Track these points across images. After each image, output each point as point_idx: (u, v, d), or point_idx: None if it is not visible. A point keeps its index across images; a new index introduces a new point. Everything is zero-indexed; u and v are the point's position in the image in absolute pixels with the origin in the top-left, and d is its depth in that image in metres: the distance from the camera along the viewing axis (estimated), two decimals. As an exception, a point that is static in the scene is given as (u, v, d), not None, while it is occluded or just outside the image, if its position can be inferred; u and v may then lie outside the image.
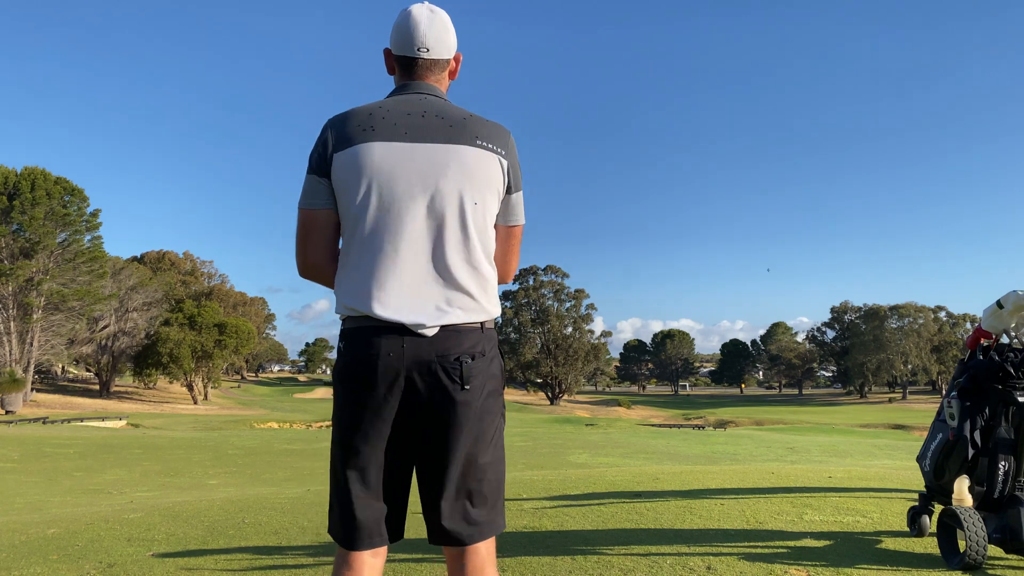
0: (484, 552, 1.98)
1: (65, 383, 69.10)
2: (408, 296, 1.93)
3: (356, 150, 1.95)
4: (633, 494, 6.11)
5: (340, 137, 1.97)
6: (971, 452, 3.75)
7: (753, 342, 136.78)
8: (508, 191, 2.06)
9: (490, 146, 2.00)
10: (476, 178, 1.97)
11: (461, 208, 1.96)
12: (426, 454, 1.96)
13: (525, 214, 2.16)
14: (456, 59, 2.16)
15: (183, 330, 61.32)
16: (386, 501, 1.98)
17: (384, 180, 1.94)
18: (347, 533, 1.96)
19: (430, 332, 1.92)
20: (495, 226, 2.07)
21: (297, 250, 2.05)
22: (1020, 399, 3.67)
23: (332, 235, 2.04)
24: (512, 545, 4.31)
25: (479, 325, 1.99)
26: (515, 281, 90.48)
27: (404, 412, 1.94)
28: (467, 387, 1.93)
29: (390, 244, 1.94)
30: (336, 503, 1.99)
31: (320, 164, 1.98)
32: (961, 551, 3.51)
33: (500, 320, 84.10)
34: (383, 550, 2.01)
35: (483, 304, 1.99)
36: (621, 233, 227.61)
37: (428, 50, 2.06)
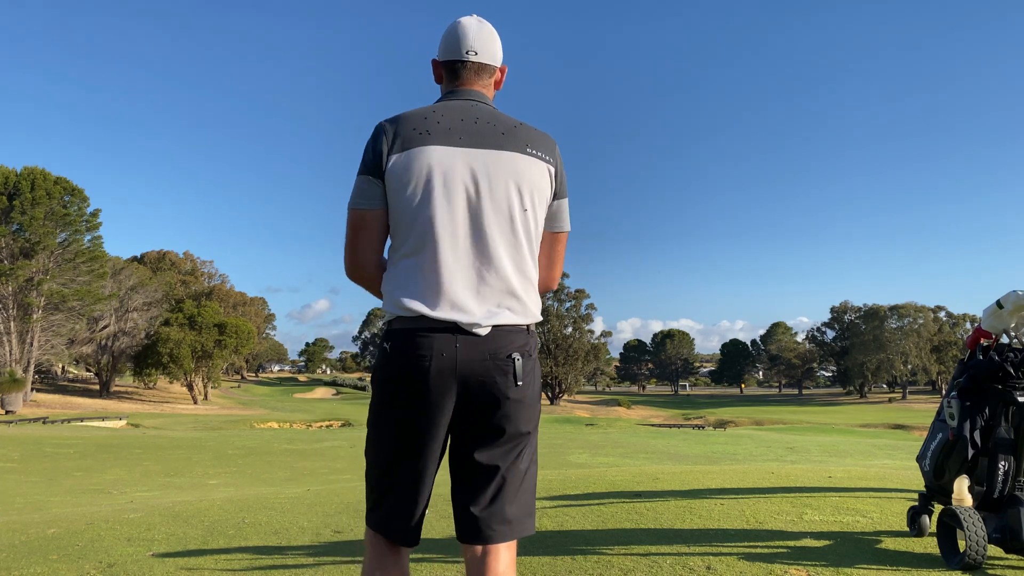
0: (507, 558, 2.00)
1: (65, 383, 69.09)
2: (463, 296, 1.97)
3: (414, 152, 1.99)
4: (633, 494, 6.11)
5: (397, 139, 2.00)
6: (971, 452, 3.75)
7: (753, 342, 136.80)
8: (555, 197, 2.12)
9: (540, 154, 2.07)
10: (527, 185, 2.03)
11: (512, 213, 2.01)
12: (474, 450, 1.99)
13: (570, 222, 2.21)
14: (502, 70, 2.23)
15: (183, 330, 61.30)
16: (422, 495, 2.03)
17: (440, 183, 1.98)
18: (404, 530, 2.00)
19: (483, 332, 1.96)
20: (547, 233, 2.14)
21: (347, 250, 2.08)
22: (1020, 399, 3.67)
23: (382, 236, 2.07)
24: (512, 545, 4.31)
25: (526, 327, 2.04)
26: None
27: (456, 411, 1.98)
28: (520, 383, 1.99)
29: (446, 245, 1.97)
30: (389, 500, 2.01)
31: (375, 165, 2.01)
32: (961, 551, 3.51)
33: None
34: (407, 559, 2.08)
35: (530, 307, 2.05)
36: (621, 233, 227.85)
37: (476, 53, 2.14)
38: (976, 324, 4.16)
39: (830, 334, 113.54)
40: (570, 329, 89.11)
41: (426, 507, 2.04)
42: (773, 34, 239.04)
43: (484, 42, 2.14)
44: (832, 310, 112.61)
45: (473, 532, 1.98)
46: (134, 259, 73.94)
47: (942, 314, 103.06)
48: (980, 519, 3.46)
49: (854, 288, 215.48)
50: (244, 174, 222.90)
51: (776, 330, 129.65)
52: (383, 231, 2.06)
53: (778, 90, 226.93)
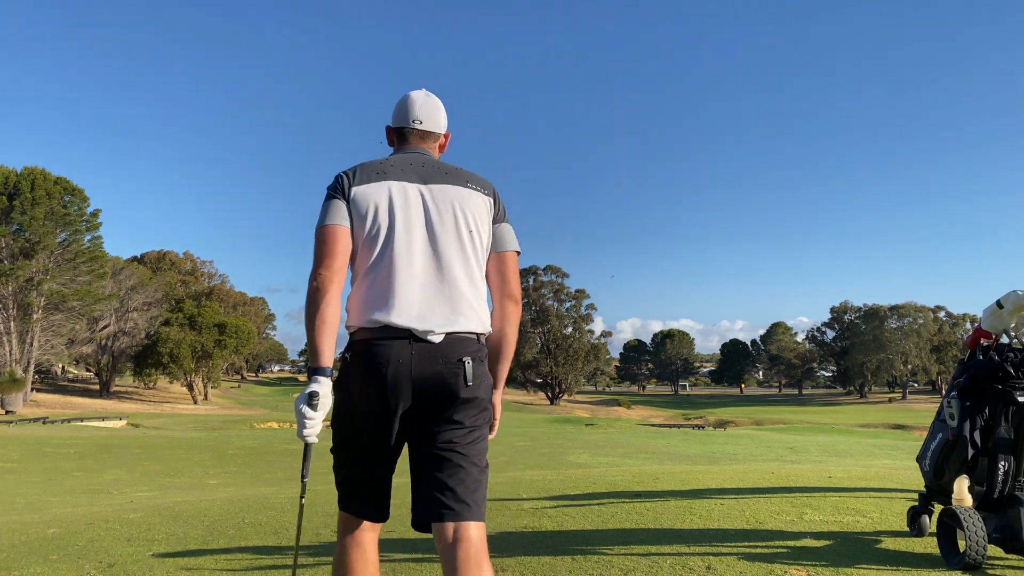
0: (478, 541, 2.19)
1: (65, 383, 69.10)
2: (419, 307, 2.24)
3: (373, 185, 2.34)
4: (633, 494, 6.11)
5: (356, 177, 2.36)
6: (971, 452, 3.75)
7: (753, 342, 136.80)
8: (496, 221, 2.46)
9: (478, 188, 2.44)
10: (470, 211, 2.38)
11: (460, 234, 2.34)
12: (429, 443, 2.25)
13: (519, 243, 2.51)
14: (445, 136, 2.60)
15: (183, 330, 61.30)
16: (384, 484, 2.36)
17: (399, 211, 2.31)
18: (376, 514, 2.34)
19: (437, 339, 2.23)
20: (496, 253, 2.45)
21: (322, 264, 2.27)
22: (1020, 399, 3.67)
23: (348, 252, 2.32)
24: (512, 545, 4.31)
25: (476, 336, 2.32)
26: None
27: (414, 410, 2.24)
28: (470, 383, 2.24)
29: (405, 264, 2.27)
30: (360, 493, 2.33)
31: (341, 193, 2.34)
32: (961, 551, 3.51)
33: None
34: (379, 526, 2.39)
35: (481, 317, 2.34)
36: (621, 233, 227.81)
37: (421, 122, 2.52)
38: (976, 324, 4.16)
39: (830, 334, 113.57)
40: (570, 329, 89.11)
41: (390, 491, 2.37)
42: (773, 33, 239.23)
43: (428, 113, 2.53)
44: (832, 310, 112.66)
45: (435, 513, 2.20)
46: (134, 259, 73.90)
47: (942, 314, 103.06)
48: (980, 519, 3.46)
49: (854, 288, 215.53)
50: (244, 174, 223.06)
51: (776, 330, 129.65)
52: (349, 247, 2.31)
53: (779, 90, 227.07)
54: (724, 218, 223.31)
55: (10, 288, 46.90)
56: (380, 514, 2.36)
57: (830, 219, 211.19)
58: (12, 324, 47.11)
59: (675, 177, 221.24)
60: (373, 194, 2.31)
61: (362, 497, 2.33)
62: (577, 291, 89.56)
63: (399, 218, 2.30)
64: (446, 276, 2.29)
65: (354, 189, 2.33)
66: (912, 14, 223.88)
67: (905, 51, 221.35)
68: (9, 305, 47.11)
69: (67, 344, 53.48)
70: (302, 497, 2.38)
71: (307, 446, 2.25)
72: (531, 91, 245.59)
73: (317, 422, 2.19)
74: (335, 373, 2.27)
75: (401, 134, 2.53)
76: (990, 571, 3.49)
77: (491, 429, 2.43)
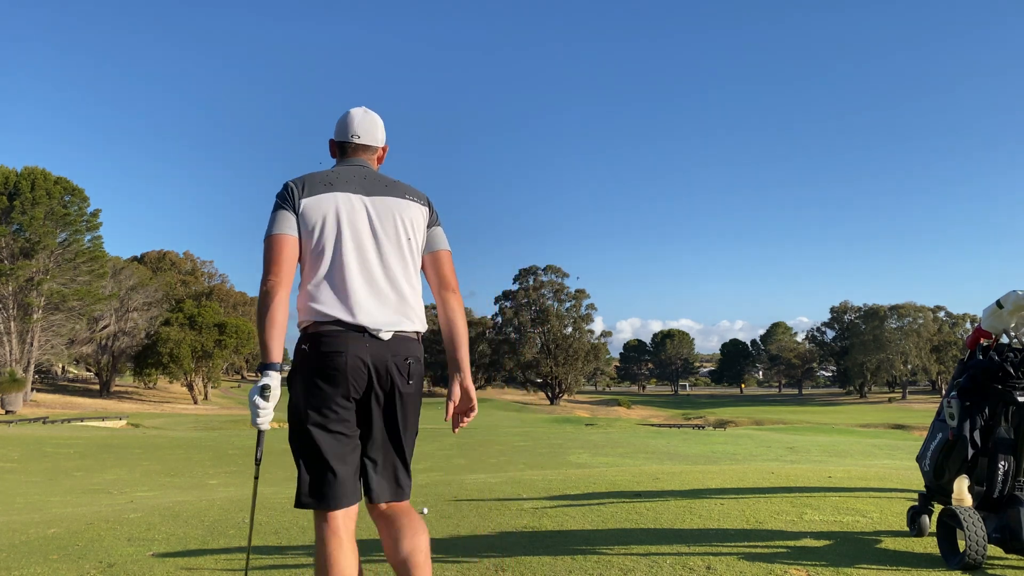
0: (417, 517, 2.57)
1: (65, 383, 69.07)
2: (370, 307, 2.49)
3: (321, 196, 2.55)
4: (633, 494, 6.11)
5: (305, 188, 2.56)
6: (971, 452, 3.75)
7: (753, 342, 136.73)
8: (429, 226, 2.71)
9: (415, 199, 2.69)
10: (408, 220, 2.63)
11: (400, 241, 2.60)
12: (374, 430, 2.51)
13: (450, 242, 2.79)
14: (384, 149, 2.83)
15: (183, 330, 61.27)
16: (355, 463, 2.51)
17: (346, 219, 2.54)
18: (329, 498, 2.43)
19: (386, 336, 2.48)
20: (430, 253, 2.71)
21: (271, 271, 2.47)
22: (1020, 399, 3.67)
23: (295, 259, 2.52)
24: (512, 545, 4.31)
25: (416, 335, 2.60)
26: (515, 281, 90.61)
27: (364, 396, 2.48)
28: (411, 382, 2.54)
29: (355, 267, 2.50)
30: (314, 476, 2.44)
31: (290, 204, 2.54)
32: (961, 551, 3.51)
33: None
34: (355, 510, 2.51)
35: (420, 318, 2.61)
36: (621, 233, 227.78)
37: (359, 137, 2.75)
38: (976, 324, 4.15)
39: (830, 334, 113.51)
40: (570, 329, 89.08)
41: (359, 470, 2.51)
42: (773, 32, 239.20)
43: (367, 128, 2.76)
44: (832, 310, 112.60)
45: (380, 494, 2.52)
46: (134, 259, 73.87)
47: (942, 314, 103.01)
48: (980, 519, 3.46)
49: (854, 288, 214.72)
50: (245, 174, 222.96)
51: (776, 330, 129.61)
52: (297, 255, 2.52)
53: (779, 89, 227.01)
54: (724, 218, 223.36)
55: (10, 288, 46.88)
56: (354, 496, 2.49)
57: (830, 219, 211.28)
58: (12, 324, 47.09)
59: (675, 177, 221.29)
60: (322, 205, 2.53)
61: (341, 480, 2.44)
62: (577, 291, 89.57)
63: (346, 227, 2.52)
64: (391, 280, 2.55)
65: (303, 200, 2.53)
66: (913, 14, 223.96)
67: (905, 51, 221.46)
68: (9, 305, 47.09)
69: (67, 344, 53.45)
70: (256, 477, 2.72)
71: (260, 433, 2.50)
72: (532, 89, 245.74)
73: (269, 411, 2.42)
74: (286, 368, 2.50)
75: (343, 147, 2.77)
76: (990, 571, 3.49)
77: (471, 411, 2.66)
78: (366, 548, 4.41)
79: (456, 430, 2.68)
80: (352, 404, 2.46)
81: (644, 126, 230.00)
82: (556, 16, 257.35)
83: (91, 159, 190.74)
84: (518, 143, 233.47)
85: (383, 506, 2.53)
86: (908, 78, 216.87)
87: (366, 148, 2.76)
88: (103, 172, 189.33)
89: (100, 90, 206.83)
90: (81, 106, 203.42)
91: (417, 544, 2.48)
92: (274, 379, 2.41)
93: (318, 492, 2.43)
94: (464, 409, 2.65)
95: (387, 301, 2.52)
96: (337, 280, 2.48)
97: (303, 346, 2.47)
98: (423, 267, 2.70)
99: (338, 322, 2.44)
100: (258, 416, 2.40)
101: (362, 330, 2.45)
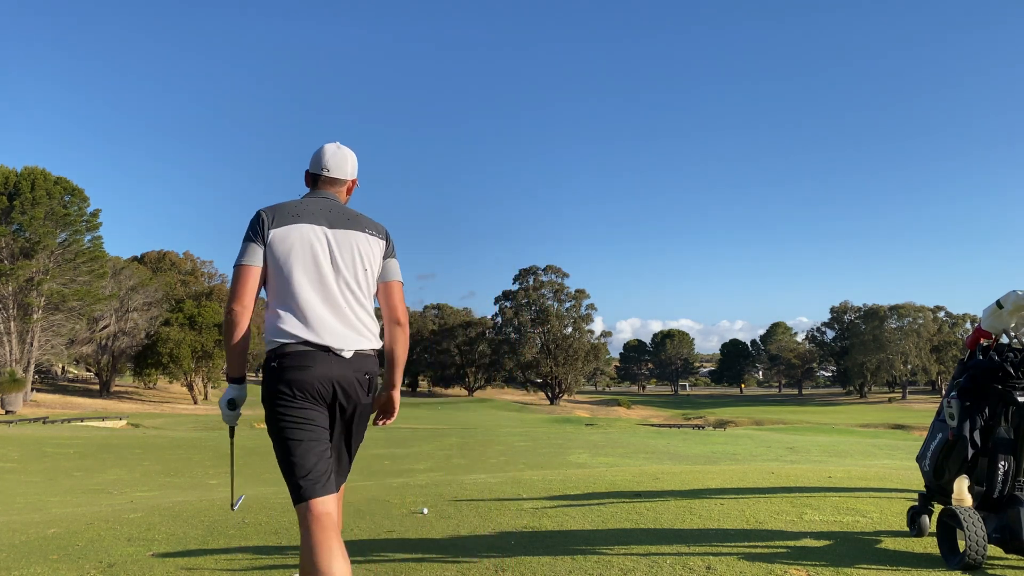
0: (339, 499, 2.94)
1: (65, 383, 69.06)
2: (332, 328, 2.79)
3: (290, 227, 2.84)
4: (633, 494, 6.11)
5: (275, 219, 2.85)
6: (971, 452, 3.75)
7: (753, 342, 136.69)
8: (385, 257, 3.01)
9: (374, 233, 2.98)
10: (366, 252, 2.93)
11: (357, 272, 2.89)
12: (333, 436, 2.84)
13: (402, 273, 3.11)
14: (353, 182, 3.12)
15: (183, 330, 61.26)
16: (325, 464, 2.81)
17: (310, 249, 2.83)
18: (313, 488, 2.68)
19: (348, 355, 2.79)
20: (383, 282, 3.00)
21: (235, 299, 2.79)
22: (1020, 399, 3.67)
23: (257, 287, 2.83)
24: (512, 545, 4.31)
25: (374, 353, 2.91)
26: (515, 281, 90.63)
27: (331, 407, 2.80)
28: (369, 395, 2.89)
29: (319, 292, 2.81)
30: (298, 472, 2.70)
31: (260, 235, 2.83)
32: (961, 551, 3.51)
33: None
34: (334, 499, 2.74)
35: (376, 337, 2.93)
36: (621, 233, 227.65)
37: (329, 171, 3.04)
38: (976, 324, 4.15)
39: (830, 334, 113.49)
40: (570, 329, 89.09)
41: (331, 467, 2.79)
42: (772, 31, 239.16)
43: (337, 163, 3.04)
44: (832, 310, 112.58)
45: (328, 488, 2.78)
46: (134, 259, 73.80)
47: (942, 314, 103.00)
48: (980, 519, 3.46)
49: (854, 288, 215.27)
50: (245, 174, 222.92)
51: (776, 330, 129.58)
52: (259, 283, 2.82)
53: (779, 88, 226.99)
54: (724, 218, 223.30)
55: (10, 288, 46.87)
56: (330, 485, 2.76)
57: (830, 219, 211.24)
58: (12, 324, 47.08)
59: (675, 177, 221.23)
60: (289, 236, 2.82)
61: (314, 478, 2.69)
62: (577, 291, 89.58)
63: (310, 257, 2.82)
64: (349, 304, 2.85)
65: (272, 231, 2.82)
66: (914, 12, 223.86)
67: (905, 50, 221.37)
68: (9, 305, 47.08)
69: (67, 344, 53.42)
70: (232, 436, 3.22)
71: (231, 427, 3.01)
72: (531, 90, 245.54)
73: (236, 415, 2.92)
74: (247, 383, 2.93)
75: (314, 179, 3.06)
76: (990, 571, 3.49)
77: (392, 414, 3.11)
78: (366, 548, 4.42)
79: (378, 424, 3.12)
80: (322, 410, 2.77)
81: (645, 126, 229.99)
82: (556, 16, 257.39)
83: (91, 159, 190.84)
84: (518, 143, 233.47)
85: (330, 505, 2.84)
86: (909, 78, 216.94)
87: (335, 181, 3.05)
88: (103, 172, 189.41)
89: (100, 90, 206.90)
90: (81, 106, 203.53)
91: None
92: (240, 390, 2.88)
93: (304, 488, 2.68)
94: (387, 412, 3.11)
95: (347, 323, 2.82)
96: (302, 304, 2.78)
97: (272, 364, 2.75)
98: (377, 294, 3.01)
99: (305, 343, 2.73)
100: (227, 418, 2.92)
101: (327, 349, 2.75)
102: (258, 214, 2.86)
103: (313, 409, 2.73)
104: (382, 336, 3.02)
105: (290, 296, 2.78)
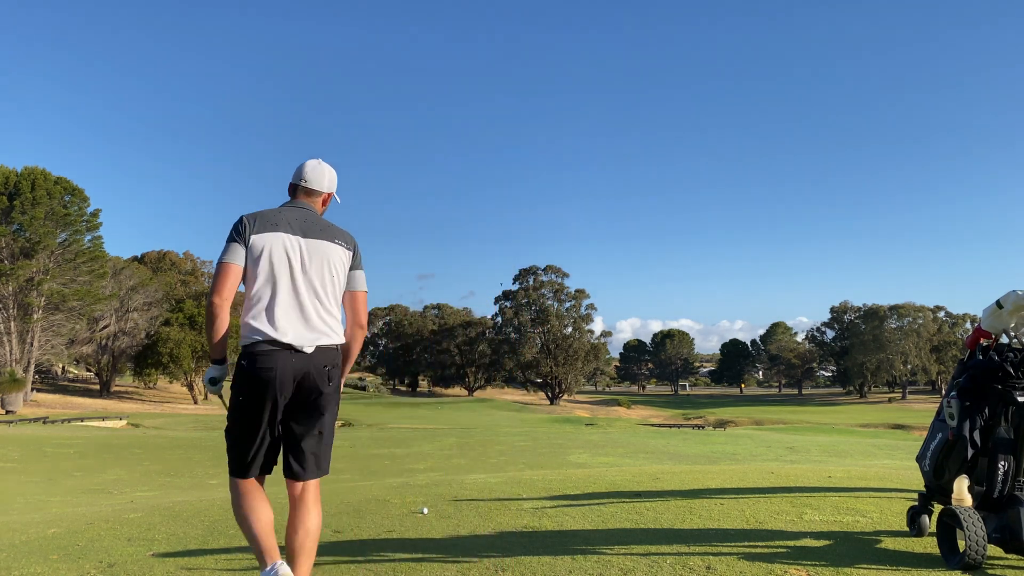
0: (314, 488, 3.27)
1: (65, 383, 69.06)
2: (297, 327, 3.13)
3: (268, 235, 3.18)
4: (633, 494, 6.11)
5: (256, 225, 3.19)
6: (971, 452, 3.75)
7: (753, 342, 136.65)
8: (352, 268, 3.35)
9: (342, 243, 3.33)
10: (335, 260, 3.28)
11: (324, 278, 3.23)
12: (300, 423, 3.17)
13: (368, 284, 3.48)
14: (329, 195, 3.48)
15: (183, 330, 61.24)
16: (271, 449, 3.21)
17: (283, 258, 3.17)
18: (250, 469, 3.18)
19: (310, 350, 3.13)
20: (349, 292, 3.36)
21: (216, 292, 3.12)
22: (1020, 399, 3.67)
23: (237, 284, 3.16)
24: (512, 545, 4.31)
25: (336, 347, 3.24)
26: (515, 281, 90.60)
27: (294, 398, 3.14)
28: (331, 383, 3.19)
29: (288, 295, 3.15)
30: (242, 454, 3.16)
31: (242, 237, 3.16)
32: (961, 551, 3.51)
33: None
34: (264, 479, 3.25)
35: (338, 334, 3.27)
36: (621, 233, 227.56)
37: (307, 183, 3.41)
38: (976, 324, 4.15)
39: (830, 334, 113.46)
40: (570, 329, 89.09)
41: (275, 453, 3.21)
42: (771, 31, 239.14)
43: (315, 177, 3.41)
44: (832, 310, 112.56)
45: (298, 474, 3.20)
46: (134, 259, 73.78)
47: (942, 314, 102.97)
48: (980, 519, 3.46)
49: (854, 288, 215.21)
50: (244, 174, 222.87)
51: (776, 330, 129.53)
52: (239, 280, 3.16)
53: (779, 88, 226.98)
54: (724, 218, 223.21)
55: (10, 288, 46.85)
56: (268, 469, 3.24)
57: (830, 219, 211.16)
58: (12, 324, 47.06)
59: (676, 176, 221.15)
60: (266, 242, 3.16)
61: (253, 461, 3.16)
62: (577, 291, 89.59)
63: (283, 263, 3.15)
64: (315, 308, 3.17)
65: (253, 236, 3.15)
66: (914, 11, 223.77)
67: (905, 50, 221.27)
68: (9, 305, 47.06)
69: (67, 344, 53.41)
70: (223, 399, 3.48)
71: (219, 395, 3.41)
72: (531, 90, 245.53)
73: (218, 389, 3.35)
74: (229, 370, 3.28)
75: (294, 189, 3.43)
76: (990, 571, 3.49)
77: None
78: (366, 548, 4.42)
79: None
80: (278, 406, 3.10)
81: (645, 125, 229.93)
82: (557, 16, 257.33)
83: (91, 159, 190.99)
84: (519, 142, 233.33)
85: (299, 485, 3.22)
86: (908, 78, 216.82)
87: (311, 192, 3.41)
88: (103, 172, 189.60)
89: (100, 90, 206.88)
90: (81, 106, 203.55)
91: (311, 526, 3.27)
92: (221, 370, 3.29)
93: (242, 467, 3.17)
94: None
95: (311, 323, 3.15)
96: (272, 306, 3.12)
97: (242, 362, 3.11)
98: (343, 301, 3.35)
99: (272, 341, 3.07)
100: (210, 391, 3.37)
101: (290, 347, 3.09)
102: (241, 219, 3.20)
103: (266, 410, 3.09)
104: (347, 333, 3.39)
105: (261, 298, 3.13)
